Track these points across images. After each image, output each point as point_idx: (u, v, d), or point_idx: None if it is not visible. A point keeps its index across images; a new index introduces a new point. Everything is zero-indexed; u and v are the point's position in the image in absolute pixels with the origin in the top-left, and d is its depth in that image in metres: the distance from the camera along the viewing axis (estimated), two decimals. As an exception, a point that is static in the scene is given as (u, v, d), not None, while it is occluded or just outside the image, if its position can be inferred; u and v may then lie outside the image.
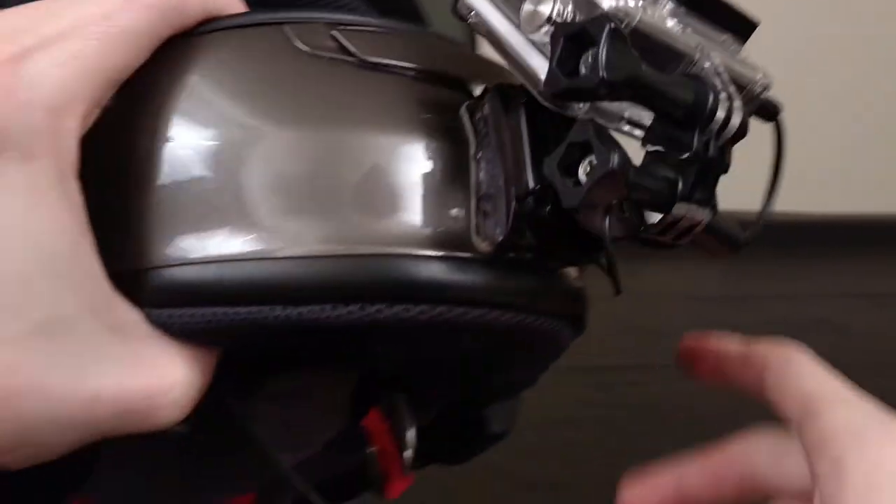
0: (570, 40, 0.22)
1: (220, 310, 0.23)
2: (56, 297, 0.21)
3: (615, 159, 0.21)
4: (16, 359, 0.21)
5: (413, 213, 0.24)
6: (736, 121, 0.23)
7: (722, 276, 1.90)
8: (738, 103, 0.24)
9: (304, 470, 0.34)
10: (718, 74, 0.24)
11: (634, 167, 0.22)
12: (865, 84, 2.01)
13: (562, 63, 0.22)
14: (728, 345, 0.34)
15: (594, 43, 0.21)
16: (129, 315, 0.23)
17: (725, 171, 0.24)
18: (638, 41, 0.22)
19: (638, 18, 0.23)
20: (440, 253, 0.24)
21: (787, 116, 0.31)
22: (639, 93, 0.22)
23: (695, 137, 0.23)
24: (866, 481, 0.26)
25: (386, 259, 0.24)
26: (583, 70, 0.22)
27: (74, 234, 0.22)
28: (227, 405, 0.31)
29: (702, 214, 0.24)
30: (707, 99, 0.23)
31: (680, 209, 0.23)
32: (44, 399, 0.21)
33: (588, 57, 0.21)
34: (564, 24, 0.23)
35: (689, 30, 0.25)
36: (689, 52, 0.25)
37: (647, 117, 0.25)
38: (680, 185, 0.23)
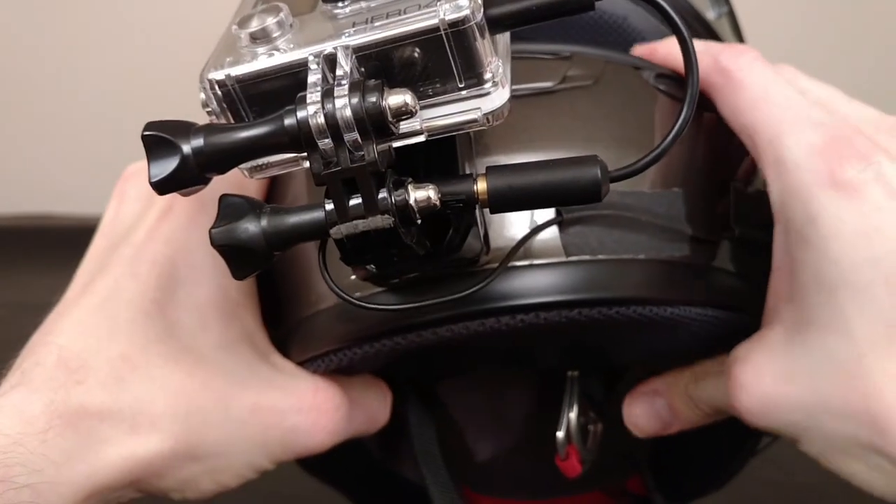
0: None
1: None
2: (226, 326, 0.30)
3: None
4: (205, 363, 0.29)
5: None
6: (346, 112, 0.20)
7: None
8: (341, 98, 0.20)
9: None
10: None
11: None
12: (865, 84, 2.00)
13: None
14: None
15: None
16: (279, 358, 0.32)
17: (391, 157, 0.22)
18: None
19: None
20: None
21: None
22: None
23: (315, 156, 0.21)
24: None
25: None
26: None
27: (249, 290, 0.32)
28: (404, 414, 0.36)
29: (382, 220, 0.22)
30: (293, 115, 0.21)
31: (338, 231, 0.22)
32: (218, 399, 0.29)
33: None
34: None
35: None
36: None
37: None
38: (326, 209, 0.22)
